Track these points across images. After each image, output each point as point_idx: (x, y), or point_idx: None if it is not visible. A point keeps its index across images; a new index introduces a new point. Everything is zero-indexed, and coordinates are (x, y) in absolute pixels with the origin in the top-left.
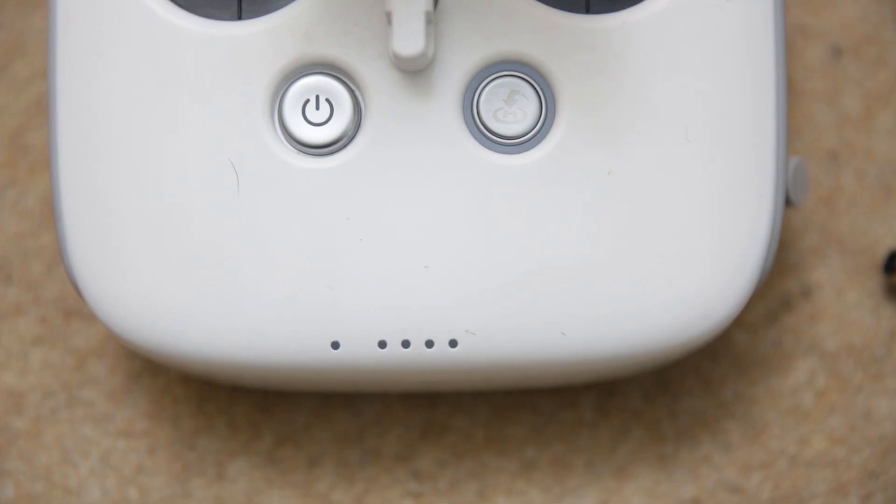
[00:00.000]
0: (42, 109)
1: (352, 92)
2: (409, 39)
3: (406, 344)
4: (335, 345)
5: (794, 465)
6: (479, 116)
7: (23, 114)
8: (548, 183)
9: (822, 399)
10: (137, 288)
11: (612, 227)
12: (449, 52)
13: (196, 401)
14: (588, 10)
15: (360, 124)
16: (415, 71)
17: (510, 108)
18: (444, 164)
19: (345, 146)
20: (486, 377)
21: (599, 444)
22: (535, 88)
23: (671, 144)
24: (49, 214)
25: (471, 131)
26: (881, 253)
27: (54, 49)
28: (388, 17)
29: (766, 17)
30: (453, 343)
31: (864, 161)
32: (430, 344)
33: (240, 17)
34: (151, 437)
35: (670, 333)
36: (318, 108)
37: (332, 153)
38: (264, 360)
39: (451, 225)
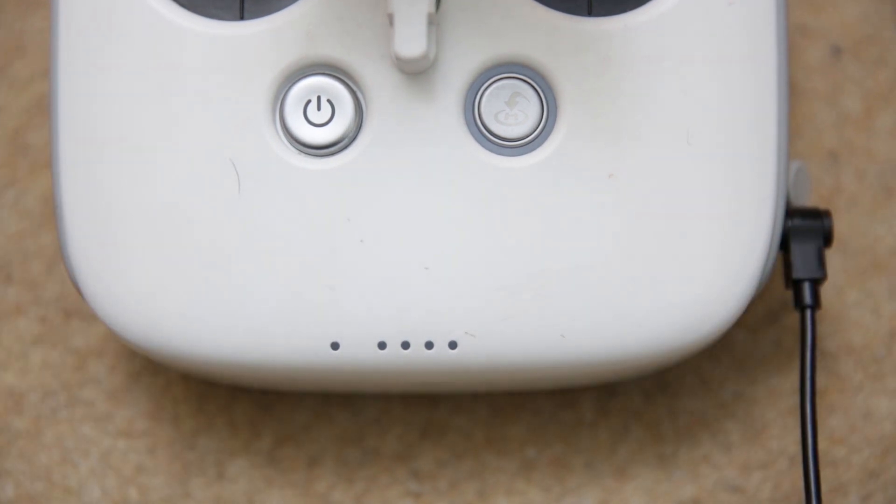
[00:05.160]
0: (42, 109)
1: (353, 93)
2: (411, 41)
3: (406, 345)
4: (335, 345)
5: (794, 465)
6: (481, 118)
7: (23, 114)
8: (548, 185)
9: (822, 399)
10: (138, 287)
11: (613, 229)
12: (451, 53)
13: (196, 401)
14: (590, 12)
15: (361, 125)
16: (416, 72)
17: (511, 111)
18: (445, 166)
19: (346, 147)
20: (486, 379)
21: (599, 444)
22: (536, 91)
23: (672, 147)
24: (49, 214)
25: (472, 133)
26: (881, 253)
27: (56, 49)
28: (390, 19)
29: (768, 20)
30: (453, 345)
31: (864, 161)
32: (429, 345)
33: (242, 18)
34: (151, 437)
35: (670, 337)
36: (319, 108)
37: (333, 154)
38: (264, 360)
39: (452, 226)
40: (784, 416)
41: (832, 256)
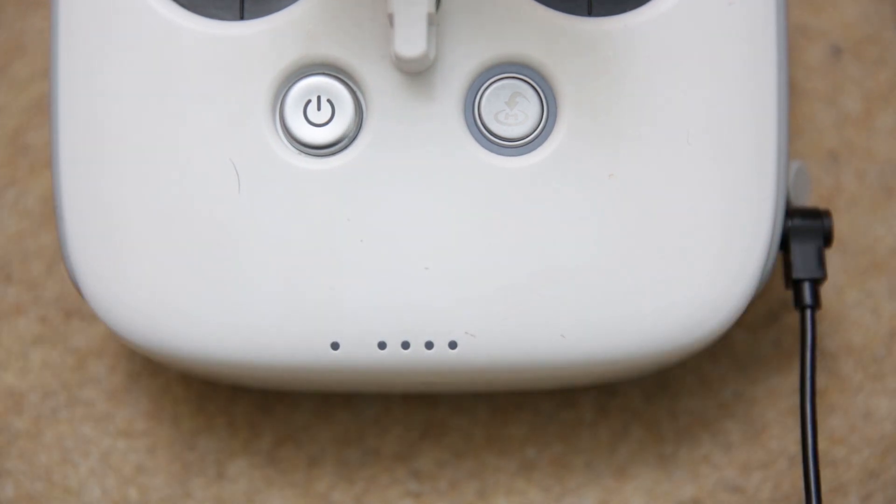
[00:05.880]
0: (42, 109)
1: (353, 93)
2: (411, 41)
3: (406, 345)
4: (335, 345)
5: (794, 465)
6: (481, 118)
7: (23, 114)
8: (548, 185)
9: (822, 399)
10: (138, 287)
11: (613, 229)
12: (451, 53)
13: (196, 401)
14: (590, 12)
15: (361, 125)
16: (416, 72)
17: (511, 111)
18: (445, 166)
19: (346, 147)
20: (486, 379)
21: (599, 444)
22: (536, 91)
23: (672, 147)
24: (49, 214)
25: (472, 133)
26: (881, 253)
27: (56, 48)
28: (390, 19)
29: (768, 20)
30: (453, 345)
31: (864, 161)
32: (429, 345)
33: (242, 18)
34: (151, 437)
35: (670, 337)
36: (319, 108)
37: (333, 154)
38: (264, 360)
39: (452, 226)
40: (784, 416)
41: (832, 256)
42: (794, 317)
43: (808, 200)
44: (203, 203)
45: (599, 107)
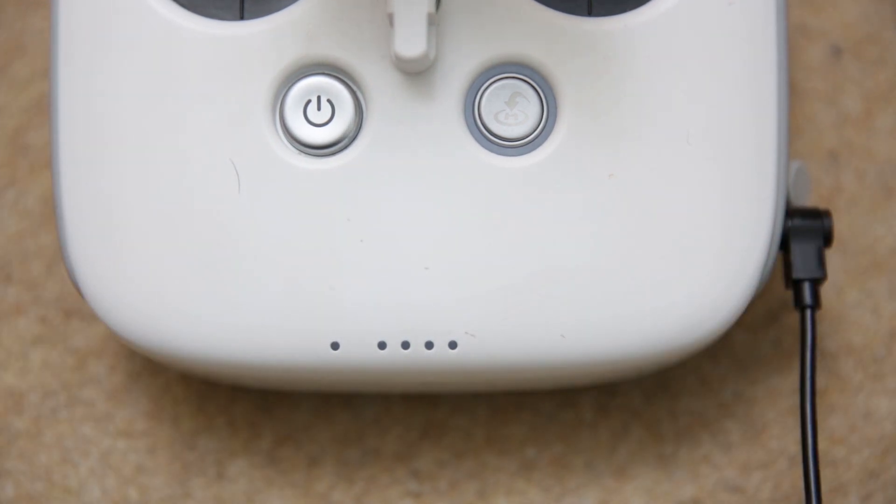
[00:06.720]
0: (42, 109)
1: (353, 93)
2: (411, 41)
3: (406, 345)
4: (335, 345)
5: (794, 465)
6: (481, 118)
7: (23, 114)
8: (548, 185)
9: (822, 399)
10: (138, 287)
11: (613, 229)
12: (451, 53)
13: (196, 401)
14: (590, 12)
15: (361, 125)
16: (416, 72)
17: (511, 111)
18: (445, 166)
19: (346, 147)
20: (486, 379)
21: (599, 444)
22: (536, 91)
23: (672, 147)
24: (49, 214)
25: (472, 133)
26: (881, 253)
27: (56, 49)
28: (390, 19)
29: (768, 20)
30: (453, 345)
31: (864, 161)
32: (429, 345)
33: (242, 18)
34: (151, 437)
35: (670, 337)
36: (319, 108)
37: (333, 154)
38: (264, 360)
39: (452, 226)
40: (784, 416)
41: (832, 256)
42: (794, 317)
43: (808, 200)
44: (203, 203)
45: (599, 107)
